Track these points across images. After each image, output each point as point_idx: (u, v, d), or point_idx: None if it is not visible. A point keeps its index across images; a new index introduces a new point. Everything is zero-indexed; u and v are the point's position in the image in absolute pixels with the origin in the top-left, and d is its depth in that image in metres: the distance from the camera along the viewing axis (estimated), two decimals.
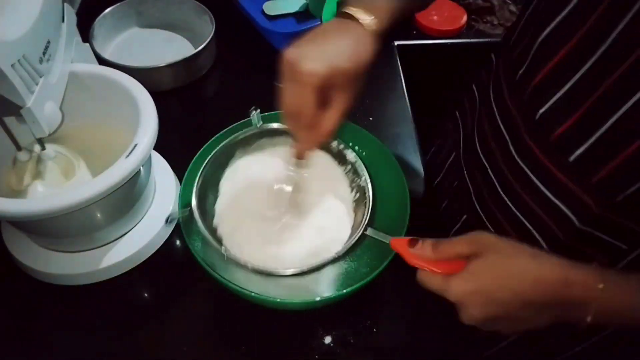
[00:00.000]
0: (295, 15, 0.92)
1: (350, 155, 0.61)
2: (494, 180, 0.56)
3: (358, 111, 0.81)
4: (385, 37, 0.51)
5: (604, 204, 0.45)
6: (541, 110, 0.47)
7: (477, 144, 0.59)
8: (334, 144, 0.62)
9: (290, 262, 0.55)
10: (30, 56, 0.50)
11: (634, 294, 0.40)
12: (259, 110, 0.61)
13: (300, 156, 0.52)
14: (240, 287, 0.50)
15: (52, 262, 0.61)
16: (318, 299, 0.50)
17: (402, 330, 0.60)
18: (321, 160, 0.64)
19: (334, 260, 0.55)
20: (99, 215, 0.58)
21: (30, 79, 0.50)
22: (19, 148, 0.59)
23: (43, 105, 0.53)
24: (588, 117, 0.44)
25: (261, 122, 0.62)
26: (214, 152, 0.61)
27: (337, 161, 0.64)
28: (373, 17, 0.49)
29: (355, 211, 0.60)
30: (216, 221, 0.59)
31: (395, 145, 0.78)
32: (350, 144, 0.63)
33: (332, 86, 0.46)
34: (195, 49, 0.83)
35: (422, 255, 0.45)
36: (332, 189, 0.62)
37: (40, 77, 0.52)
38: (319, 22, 0.85)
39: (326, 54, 0.46)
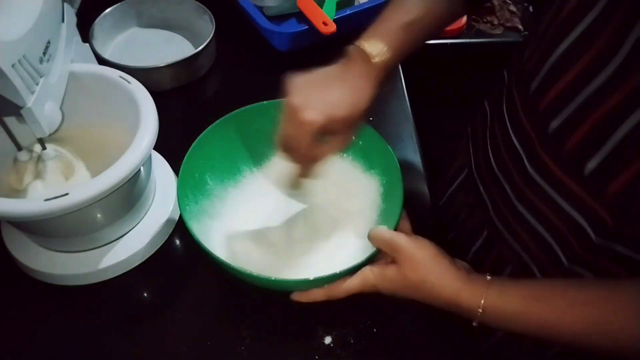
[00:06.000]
0: (295, 15, 0.92)
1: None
2: (510, 194, 0.56)
3: None
4: (393, 68, 0.56)
5: (619, 218, 0.45)
6: (553, 124, 0.48)
7: (492, 159, 0.59)
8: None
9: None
10: (31, 56, 0.50)
11: (510, 311, 0.46)
12: None
13: (299, 177, 0.56)
14: (234, 265, 0.51)
15: (52, 262, 0.61)
16: (312, 278, 0.50)
17: (401, 330, 0.60)
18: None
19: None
20: (99, 215, 0.58)
21: (31, 79, 0.50)
22: (19, 148, 0.59)
23: (43, 105, 0.53)
24: (598, 130, 0.44)
25: None
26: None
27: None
28: (385, 46, 0.53)
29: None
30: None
31: (395, 145, 0.78)
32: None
33: (329, 130, 0.51)
34: (195, 49, 0.83)
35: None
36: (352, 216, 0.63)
37: (41, 77, 0.52)
38: None
39: (326, 103, 0.50)
